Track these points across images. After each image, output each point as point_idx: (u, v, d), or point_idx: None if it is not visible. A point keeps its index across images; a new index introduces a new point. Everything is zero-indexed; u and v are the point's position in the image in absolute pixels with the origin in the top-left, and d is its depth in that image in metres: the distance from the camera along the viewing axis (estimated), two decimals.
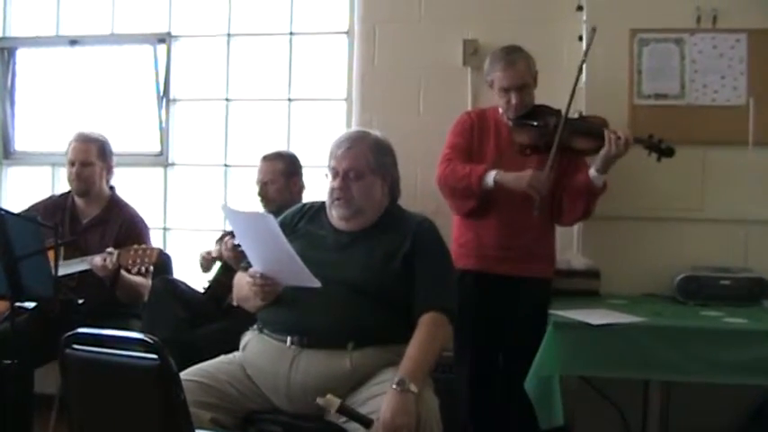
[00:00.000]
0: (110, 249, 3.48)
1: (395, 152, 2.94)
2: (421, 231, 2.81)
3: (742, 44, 3.73)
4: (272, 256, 2.66)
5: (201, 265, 3.89)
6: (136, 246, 3.50)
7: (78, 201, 3.87)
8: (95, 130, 3.99)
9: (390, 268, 2.71)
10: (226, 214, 3.06)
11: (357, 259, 2.73)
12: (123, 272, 3.55)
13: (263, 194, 3.88)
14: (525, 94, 3.41)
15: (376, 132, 2.95)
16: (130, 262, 3.46)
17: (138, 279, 3.63)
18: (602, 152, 3.27)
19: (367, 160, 2.82)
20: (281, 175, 3.87)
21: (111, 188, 3.93)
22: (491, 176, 3.31)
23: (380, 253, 2.74)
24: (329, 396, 2.39)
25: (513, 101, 3.39)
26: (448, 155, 3.47)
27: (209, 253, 3.86)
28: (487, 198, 3.38)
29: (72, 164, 3.82)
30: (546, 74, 3.52)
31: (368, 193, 2.82)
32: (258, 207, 3.92)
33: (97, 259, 3.47)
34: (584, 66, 3.43)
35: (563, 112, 3.37)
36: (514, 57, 3.40)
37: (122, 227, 3.76)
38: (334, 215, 2.85)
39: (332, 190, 2.83)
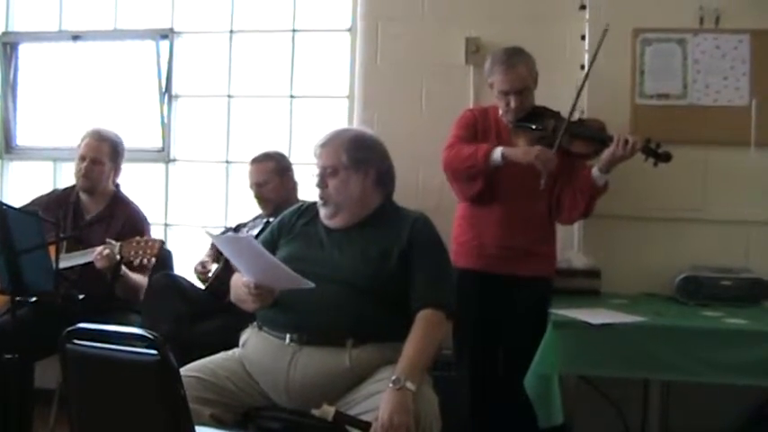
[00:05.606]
0: (111, 241, 3.48)
1: (382, 144, 2.92)
2: (417, 227, 2.80)
3: (745, 45, 3.72)
4: (262, 269, 2.68)
5: (199, 279, 3.88)
6: (138, 237, 3.52)
7: (83, 196, 3.87)
8: (111, 128, 3.98)
9: (387, 265, 2.71)
10: (212, 239, 3.13)
11: (354, 257, 2.73)
12: (125, 268, 3.55)
13: (260, 196, 3.89)
14: (524, 98, 3.39)
15: (361, 129, 2.95)
16: (132, 253, 3.47)
17: (138, 278, 3.63)
18: (608, 152, 3.25)
19: (338, 156, 2.81)
20: (274, 173, 3.88)
21: (116, 185, 3.94)
22: (498, 152, 3.29)
23: (376, 250, 2.74)
24: (324, 406, 2.40)
25: (513, 104, 3.37)
26: (452, 142, 3.46)
27: (203, 266, 3.86)
28: (492, 182, 3.36)
29: (83, 159, 3.81)
30: (548, 73, 3.51)
31: (343, 188, 2.81)
32: (256, 209, 3.94)
33: (98, 248, 3.47)
34: (589, 70, 3.44)
35: (562, 114, 3.37)
36: (515, 60, 3.37)
37: (125, 223, 3.76)
38: (321, 214, 2.87)
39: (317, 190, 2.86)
